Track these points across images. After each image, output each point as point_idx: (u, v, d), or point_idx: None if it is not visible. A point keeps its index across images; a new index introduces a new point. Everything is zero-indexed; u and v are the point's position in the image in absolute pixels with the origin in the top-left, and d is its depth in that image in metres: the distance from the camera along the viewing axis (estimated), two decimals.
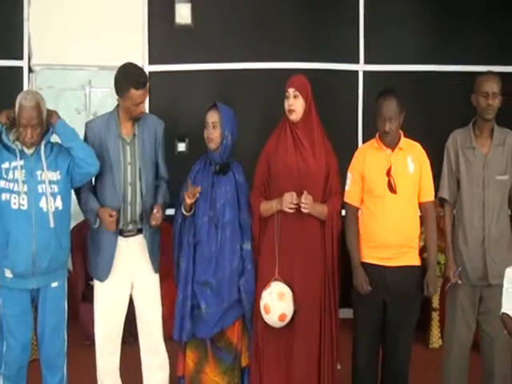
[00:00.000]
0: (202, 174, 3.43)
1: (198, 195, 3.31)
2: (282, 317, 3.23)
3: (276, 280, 3.28)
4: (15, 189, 3.12)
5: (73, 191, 3.36)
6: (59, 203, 3.19)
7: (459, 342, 3.40)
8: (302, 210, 3.24)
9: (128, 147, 3.31)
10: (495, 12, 5.26)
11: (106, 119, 3.34)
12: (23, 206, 3.12)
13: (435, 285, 3.33)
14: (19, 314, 3.20)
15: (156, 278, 3.44)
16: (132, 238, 3.34)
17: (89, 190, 3.33)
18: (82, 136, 3.34)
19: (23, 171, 3.13)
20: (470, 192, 3.35)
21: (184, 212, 3.36)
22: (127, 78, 3.23)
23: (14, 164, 3.13)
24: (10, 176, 3.13)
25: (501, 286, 3.25)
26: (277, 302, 3.21)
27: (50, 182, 3.16)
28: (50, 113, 3.19)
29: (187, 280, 3.37)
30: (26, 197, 3.12)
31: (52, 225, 3.14)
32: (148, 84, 3.29)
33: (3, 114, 3.13)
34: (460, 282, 3.36)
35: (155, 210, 3.27)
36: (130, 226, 3.33)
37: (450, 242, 3.42)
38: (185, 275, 3.37)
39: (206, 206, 3.38)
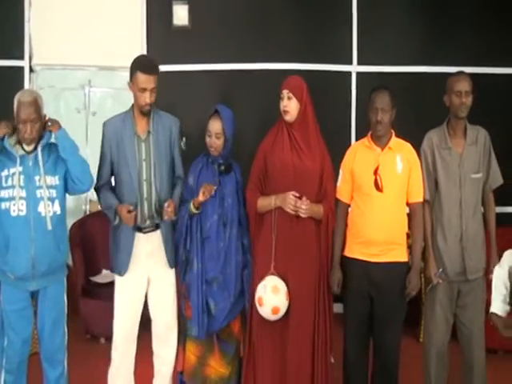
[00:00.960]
0: (207, 172, 3.46)
1: (213, 192, 3.34)
2: (275, 310, 3.27)
3: (271, 274, 3.32)
4: (14, 194, 3.14)
5: (93, 190, 3.42)
6: (57, 208, 3.23)
7: (439, 337, 3.47)
8: (301, 215, 3.29)
9: (143, 144, 3.35)
10: (486, 14, 5.32)
11: (123, 118, 3.38)
12: (22, 211, 3.15)
13: (416, 284, 3.36)
14: (19, 309, 3.23)
15: (171, 273, 3.47)
16: (150, 234, 3.37)
17: (108, 188, 3.38)
18: (100, 135, 3.40)
19: (22, 177, 3.16)
20: (448, 191, 3.41)
21: (193, 210, 3.37)
22: (136, 62, 3.32)
23: (12, 170, 3.16)
24: (9, 183, 3.16)
25: (477, 280, 3.40)
26: (270, 295, 3.26)
27: (49, 187, 3.19)
28: (52, 121, 3.22)
29: (201, 278, 3.39)
30: (24, 202, 3.15)
31: (49, 227, 3.17)
32: (157, 76, 3.30)
33: (2, 125, 3.14)
34: (441, 281, 3.41)
35: (166, 205, 3.26)
36: (148, 222, 3.36)
37: (430, 241, 3.47)
38: (198, 274, 3.38)
39: (214, 204, 3.41)
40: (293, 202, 3.28)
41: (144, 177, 3.34)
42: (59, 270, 3.33)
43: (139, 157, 3.34)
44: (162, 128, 3.39)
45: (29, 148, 3.19)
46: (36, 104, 3.15)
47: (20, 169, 3.16)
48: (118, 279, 3.42)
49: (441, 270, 3.41)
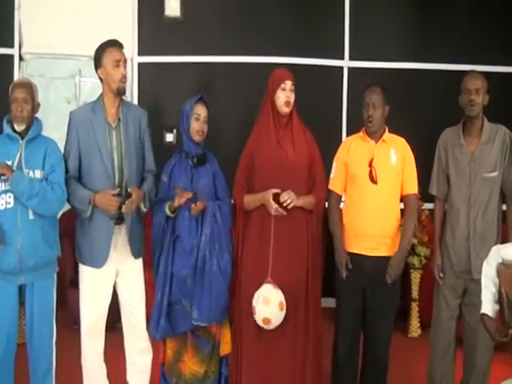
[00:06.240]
0: (179, 168, 3.42)
1: (190, 196, 3.28)
2: (265, 320, 3.23)
3: (267, 283, 3.27)
4: (2, 188, 3.15)
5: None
6: None
7: (443, 331, 3.48)
8: (289, 206, 3.24)
9: (114, 132, 3.34)
10: (479, 12, 5.36)
11: (91, 107, 3.37)
12: (9, 203, 3.15)
13: (397, 268, 3.35)
14: (6, 303, 3.22)
15: (139, 264, 3.45)
16: (116, 226, 3.33)
17: (75, 180, 3.32)
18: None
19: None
20: (458, 189, 3.43)
21: (169, 213, 3.34)
22: (101, 45, 3.35)
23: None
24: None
25: None
26: (261, 307, 3.22)
27: (35, 179, 3.18)
28: (3, 166, 3.13)
29: (166, 278, 3.35)
30: (12, 194, 3.14)
31: (31, 217, 3.17)
32: (123, 49, 3.36)
33: None
34: (441, 275, 3.44)
35: (132, 193, 3.23)
36: (118, 212, 3.30)
37: (438, 236, 3.50)
38: (163, 273, 3.35)
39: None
40: (274, 206, 3.25)
41: (116, 164, 3.32)
42: (48, 265, 3.32)
43: (110, 144, 3.33)
44: (131, 117, 3.39)
45: (19, 128, 3.20)
46: (29, 86, 3.23)
47: (10, 163, 3.16)
48: (85, 270, 3.39)
49: (439, 263, 3.46)
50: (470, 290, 3.42)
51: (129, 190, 3.26)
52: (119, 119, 3.36)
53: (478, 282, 3.26)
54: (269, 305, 3.21)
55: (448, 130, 3.55)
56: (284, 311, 3.25)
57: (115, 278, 3.42)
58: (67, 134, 3.36)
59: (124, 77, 3.32)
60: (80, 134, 3.31)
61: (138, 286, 3.47)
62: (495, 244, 3.35)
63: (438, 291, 3.52)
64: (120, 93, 3.35)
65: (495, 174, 3.40)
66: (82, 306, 3.43)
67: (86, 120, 3.32)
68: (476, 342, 3.42)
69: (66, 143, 3.36)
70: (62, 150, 3.36)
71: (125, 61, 3.34)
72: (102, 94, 3.39)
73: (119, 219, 3.33)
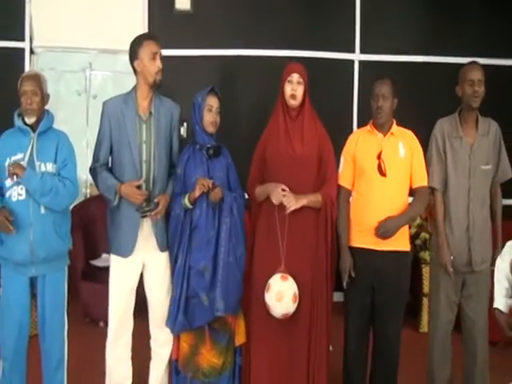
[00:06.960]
0: (195, 161, 3.41)
1: (210, 185, 3.28)
2: (267, 306, 3.26)
3: (278, 272, 3.28)
4: (14, 180, 3.15)
5: (89, 173, 3.41)
6: None
7: (443, 325, 3.47)
8: (290, 209, 3.23)
9: (144, 125, 3.34)
10: (489, 7, 5.35)
11: (124, 98, 3.37)
12: (21, 195, 3.16)
13: (387, 230, 3.25)
14: (18, 294, 3.24)
15: (165, 257, 3.45)
16: (145, 218, 3.34)
17: (105, 169, 3.36)
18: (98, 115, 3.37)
19: (24, 162, 3.16)
20: (456, 181, 3.40)
21: (188, 205, 3.34)
22: (138, 37, 3.36)
23: (19, 156, 3.18)
24: None
25: (483, 271, 3.35)
26: (265, 292, 3.26)
27: (47, 174, 3.18)
28: (14, 166, 3.15)
29: (184, 273, 3.35)
30: (24, 187, 3.16)
31: (43, 211, 3.18)
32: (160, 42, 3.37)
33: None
34: (452, 269, 3.39)
35: (159, 203, 3.28)
36: (144, 204, 3.30)
37: (443, 229, 3.44)
38: (182, 268, 3.35)
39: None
40: (280, 198, 3.25)
41: (144, 158, 3.33)
42: (59, 258, 3.33)
43: (140, 137, 3.33)
44: (163, 111, 3.40)
45: (30, 121, 3.21)
46: (37, 78, 3.24)
47: (22, 155, 3.18)
48: (114, 260, 3.41)
49: (452, 257, 3.40)
50: (469, 282, 3.42)
51: (155, 200, 3.28)
52: (150, 112, 3.36)
53: (477, 273, 3.34)
54: (268, 292, 3.24)
55: (443, 120, 3.52)
56: (283, 304, 3.22)
57: (142, 271, 3.43)
58: (100, 123, 3.38)
59: (160, 70, 3.33)
60: (112, 124, 3.33)
61: (164, 279, 3.47)
62: (490, 236, 3.43)
63: (438, 287, 3.48)
64: (156, 85, 3.36)
65: (490, 166, 3.42)
66: (111, 297, 3.42)
67: (117, 111, 3.33)
68: (476, 332, 3.42)
69: (99, 132, 3.38)
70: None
71: (161, 54, 3.35)
72: (135, 86, 3.39)
73: (145, 212, 3.32)
